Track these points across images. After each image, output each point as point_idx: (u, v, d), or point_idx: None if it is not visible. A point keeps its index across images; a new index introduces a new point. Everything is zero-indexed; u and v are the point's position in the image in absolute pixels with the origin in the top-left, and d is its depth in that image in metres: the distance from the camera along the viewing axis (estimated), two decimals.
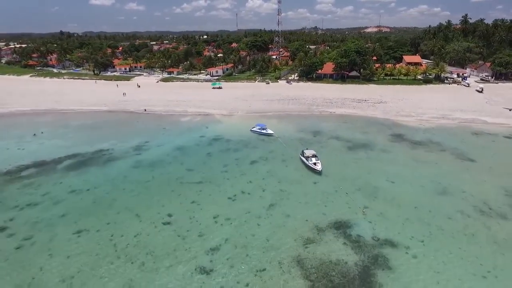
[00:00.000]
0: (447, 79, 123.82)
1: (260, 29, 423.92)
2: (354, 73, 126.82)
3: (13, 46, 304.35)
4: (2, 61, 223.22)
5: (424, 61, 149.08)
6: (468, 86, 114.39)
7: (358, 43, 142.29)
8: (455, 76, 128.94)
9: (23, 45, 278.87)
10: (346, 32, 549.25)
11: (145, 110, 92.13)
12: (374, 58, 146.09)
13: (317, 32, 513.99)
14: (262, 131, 69.99)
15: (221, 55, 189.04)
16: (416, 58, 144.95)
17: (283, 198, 43.42)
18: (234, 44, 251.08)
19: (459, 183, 46.89)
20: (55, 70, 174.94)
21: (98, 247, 34.16)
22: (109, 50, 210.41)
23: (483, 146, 62.17)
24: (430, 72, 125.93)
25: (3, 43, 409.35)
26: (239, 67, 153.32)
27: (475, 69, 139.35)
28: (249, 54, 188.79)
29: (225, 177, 49.98)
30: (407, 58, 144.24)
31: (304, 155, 53.79)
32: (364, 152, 59.57)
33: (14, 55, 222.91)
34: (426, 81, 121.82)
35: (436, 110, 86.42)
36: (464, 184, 46.37)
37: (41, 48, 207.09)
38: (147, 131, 74.10)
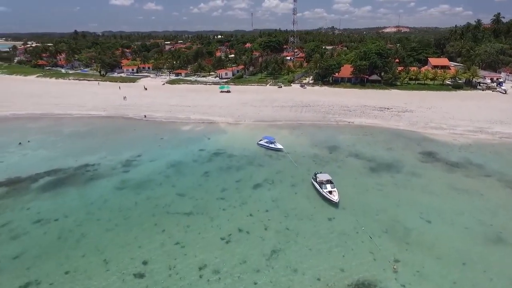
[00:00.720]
0: (479, 85, 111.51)
1: (276, 29, 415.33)
2: (374, 76, 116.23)
3: (29, 45, 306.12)
4: (15, 60, 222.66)
5: (451, 63, 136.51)
6: (505, 93, 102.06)
7: (379, 44, 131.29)
8: (488, 81, 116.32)
9: (39, 45, 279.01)
10: (364, 32, 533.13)
11: (145, 116, 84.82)
12: (397, 60, 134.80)
13: (334, 32, 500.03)
14: (270, 145, 61.18)
15: (233, 55, 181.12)
16: (444, 61, 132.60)
17: (289, 241, 34.55)
18: (248, 44, 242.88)
19: None
20: (63, 70, 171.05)
21: None
22: (119, 50, 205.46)
23: None
24: (460, 77, 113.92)
25: (21, 42, 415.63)
26: (250, 69, 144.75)
27: (510, 73, 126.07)
28: (262, 55, 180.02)
29: (221, 207, 41.49)
30: (433, 61, 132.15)
31: (317, 180, 44.72)
32: (389, 175, 49.92)
33: (26, 55, 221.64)
34: (456, 86, 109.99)
35: (471, 121, 75.47)
36: None
37: (50, 48, 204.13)
38: (142, 142, 66.54)
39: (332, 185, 43.67)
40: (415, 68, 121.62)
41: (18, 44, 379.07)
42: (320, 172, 46.58)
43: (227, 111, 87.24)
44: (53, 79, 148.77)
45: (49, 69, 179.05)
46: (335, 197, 41.51)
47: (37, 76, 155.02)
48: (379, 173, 50.79)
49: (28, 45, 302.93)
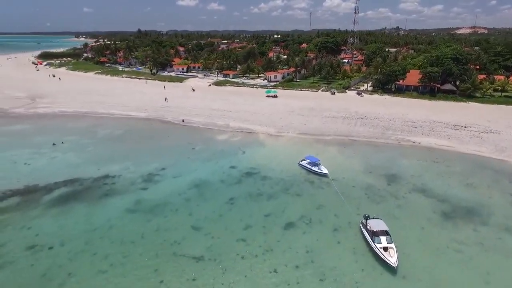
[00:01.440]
0: None
1: (335, 29, 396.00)
2: (448, 86, 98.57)
3: (98, 43, 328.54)
4: (83, 56, 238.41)
5: None
6: None
7: (456, 48, 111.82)
8: None
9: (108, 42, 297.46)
10: (433, 34, 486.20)
11: (183, 120, 79.68)
12: (476, 67, 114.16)
13: (398, 33, 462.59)
14: (313, 168, 50.95)
15: (285, 56, 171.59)
16: None
17: None
18: (304, 45, 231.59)
19: None
20: (120, 68, 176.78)
21: None
22: (173, 49, 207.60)
23: None
24: None
25: (94, 40, 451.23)
26: (302, 71, 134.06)
27: None
28: (316, 56, 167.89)
29: (240, 253, 32.78)
30: None
31: (368, 227, 33.85)
32: (471, 227, 36.90)
33: (92, 52, 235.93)
34: None
35: None
36: None
37: (111, 46, 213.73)
38: (172, 151, 60.64)
39: (388, 238, 32.53)
40: (501, 77, 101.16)
41: (90, 41, 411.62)
42: (373, 217, 35.44)
43: (270, 120, 78.51)
44: (108, 76, 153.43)
45: (108, 66, 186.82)
46: (392, 259, 30.37)
47: (95, 73, 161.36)
48: (456, 222, 37.95)
49: (98, 43, 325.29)
